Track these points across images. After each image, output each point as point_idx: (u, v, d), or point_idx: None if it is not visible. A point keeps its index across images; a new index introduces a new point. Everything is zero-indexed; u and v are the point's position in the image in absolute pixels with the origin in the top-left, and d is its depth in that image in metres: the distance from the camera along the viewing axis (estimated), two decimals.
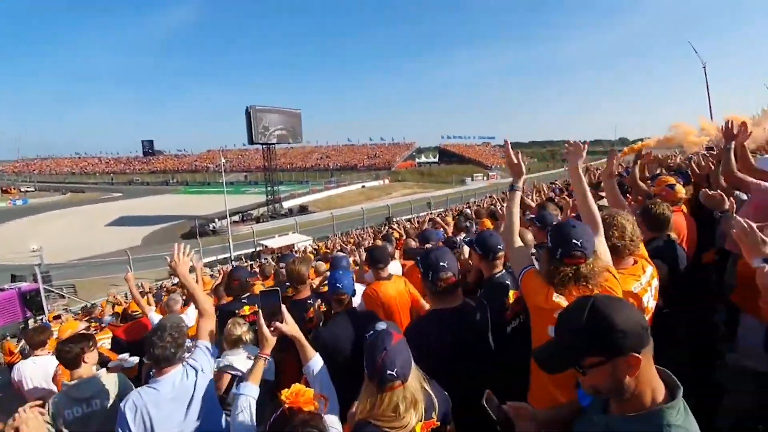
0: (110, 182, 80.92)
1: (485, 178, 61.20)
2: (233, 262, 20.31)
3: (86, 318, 10.05)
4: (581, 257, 1.59)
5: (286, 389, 1.31)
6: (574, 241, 1.59)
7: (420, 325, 2.05)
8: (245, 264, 15.88)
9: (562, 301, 1.61)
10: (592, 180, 6.95)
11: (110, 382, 2.37)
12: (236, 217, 35.56)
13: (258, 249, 23.22)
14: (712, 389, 2.15)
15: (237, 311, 3.20)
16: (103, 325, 7.22)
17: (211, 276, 10.40)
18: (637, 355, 0.96)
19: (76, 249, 26.38)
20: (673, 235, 2.62)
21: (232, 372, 2.50)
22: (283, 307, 1.79)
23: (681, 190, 3.18)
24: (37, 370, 3.41)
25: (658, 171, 5.41)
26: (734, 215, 2.29)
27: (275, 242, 22.46)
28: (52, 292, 16.63)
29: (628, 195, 4.13)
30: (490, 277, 2.34)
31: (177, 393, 1.89)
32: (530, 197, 6.73)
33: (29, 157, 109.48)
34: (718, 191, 2.36)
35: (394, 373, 1.31)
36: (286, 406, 1.27)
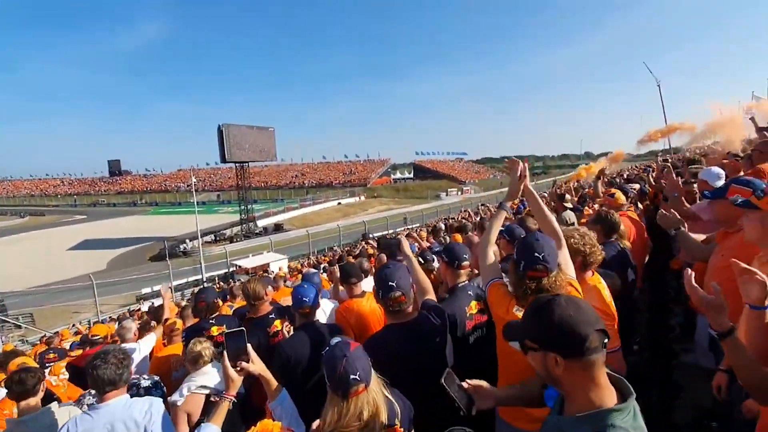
0: (73, 204, 77.23)
1: (459, 192, 62.42)
2: (204, 284, 19.71)
3: (42, 351, 9.42)
4: (543, 271, 1.58)
5: (254, 427, 1.29)
6: (536, 254, 1.58)
7: (376, 339, 2.03)
8: (216, 285, 15.43)
9: (521, 313, 1.61)
10: (559, 191, 7.21)
11: (63, 416, 2.19)
12: (209, 238, 34.64)
13: (231, 269, 22.68)
14: (670, 388, 2.24)
15: (204, 332, 3.10)
16: (71, 353, 6.78)
17: (177, 304, 10.00)
18: (560, 358, 1.00)
19: (35, 275, 25.05)
20: (626, 243, 2.77)
21: (207, 392, 2.39)
22: (249, 347, 1.73)
23: (620, 197, 3.50)
24: None
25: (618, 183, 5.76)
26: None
27: (249, 262, 21.94)
28: (7, 322, 15.72)
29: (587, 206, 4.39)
30: (453, 287, 2.36)
31: (115, 423, 1.79)
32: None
33: None
34: (672, 212, 2.53)
35: (357, 377, 1.33)
36: None
